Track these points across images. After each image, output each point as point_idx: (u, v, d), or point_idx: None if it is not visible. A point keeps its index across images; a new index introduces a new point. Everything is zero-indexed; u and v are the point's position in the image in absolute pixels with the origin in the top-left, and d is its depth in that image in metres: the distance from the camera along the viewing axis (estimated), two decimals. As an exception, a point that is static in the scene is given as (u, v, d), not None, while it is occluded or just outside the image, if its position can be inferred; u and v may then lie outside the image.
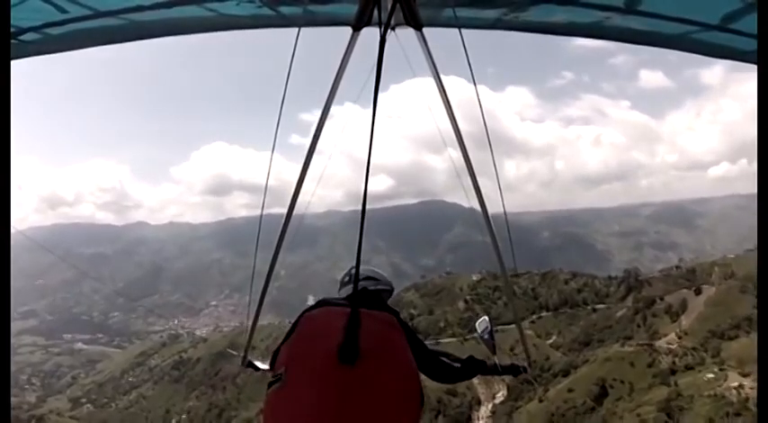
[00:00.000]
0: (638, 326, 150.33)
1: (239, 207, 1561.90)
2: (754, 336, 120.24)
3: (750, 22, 3.77)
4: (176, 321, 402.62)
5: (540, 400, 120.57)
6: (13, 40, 4.62)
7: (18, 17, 4.21)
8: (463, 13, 4.42)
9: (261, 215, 6.86)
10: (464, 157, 5.33)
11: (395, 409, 3.20)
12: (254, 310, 6.85)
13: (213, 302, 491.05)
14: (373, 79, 3.43)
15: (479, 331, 5.54)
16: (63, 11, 4.31)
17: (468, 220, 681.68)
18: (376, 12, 4.01)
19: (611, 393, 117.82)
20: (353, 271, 4.20)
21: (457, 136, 5.23)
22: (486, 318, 5.66)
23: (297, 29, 4.42)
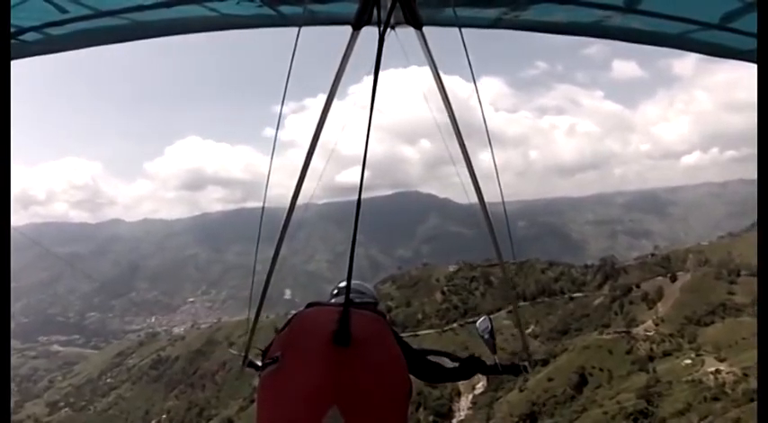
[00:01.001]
0: (616, 314, 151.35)
1: (214, 201, 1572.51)
2: (729, 321, 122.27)
3: (749, 22, 3.89)
4: (153, 319, 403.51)
5: (521, 390, 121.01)
6: (13, 40, 4.70)
7: (19, 17, 4.28)
8: (463, 12, 4.50)
9: (262, 209, 6.65)
10: (463, 152, 5.17)
11: (388, 388, 3.31)
12: (255, 307, 6.73)
13: (190, 299, 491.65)
14: (370, 78, 3.50)
15: (480, 331, 5.41)
16: (63, 10, 4.39)
17: (442, 211, 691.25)
18: (376, 11, 4.03)
19: (590, 381, 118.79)
20: (340, 285, 4.94)
21: (456, 134, 5.02)
22: (488, 317, 5.59)
23: (297, 28, 4.30)
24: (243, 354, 6.53)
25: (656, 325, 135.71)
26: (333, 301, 4.94)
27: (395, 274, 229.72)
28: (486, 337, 5.31)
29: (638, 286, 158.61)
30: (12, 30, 4.45)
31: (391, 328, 3.86)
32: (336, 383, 3.07)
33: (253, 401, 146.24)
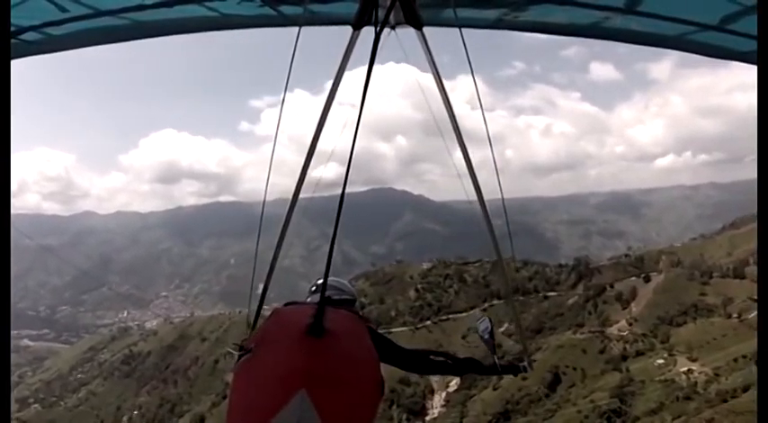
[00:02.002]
0: (590, 313, 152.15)
1: (188, 195, 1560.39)
2: (700, 322, 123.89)
3: (749, 23, 3.92)
4: (126, 314, 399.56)
5: (494, 388, 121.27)
6: (13, 40, 4.71)
7: (19, 16, 4.29)
8: (463, 12, 4.53)
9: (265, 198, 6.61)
10: (464, 154, 5.25)
11: (358, 377, 3.35)
12: (255, 305, 6.17)
13: (163, 293, 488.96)
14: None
15: (480, 331, 5.44)
16: (64, 10, 4.41)
17: (417, 208, 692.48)
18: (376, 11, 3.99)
19: (564, 380, 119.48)
20: (319, 282, 4.84)
21: (457, 134, 5.05)
22: (487, 318, 5.64)
23: (297, 28, 4.32)
24: (239, 352, 6.47)
25: (630, 325, 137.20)
26: (309, 298, 4.98)
27: (368, 271, 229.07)
28: (486, 337, 5.36)
29: (611, 286, 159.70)
30: (12, 29, 4.45)
31: (367, 325, 3.94)
32: (306, 369, 3.10)
33: (225, 398, 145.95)
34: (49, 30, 4.69)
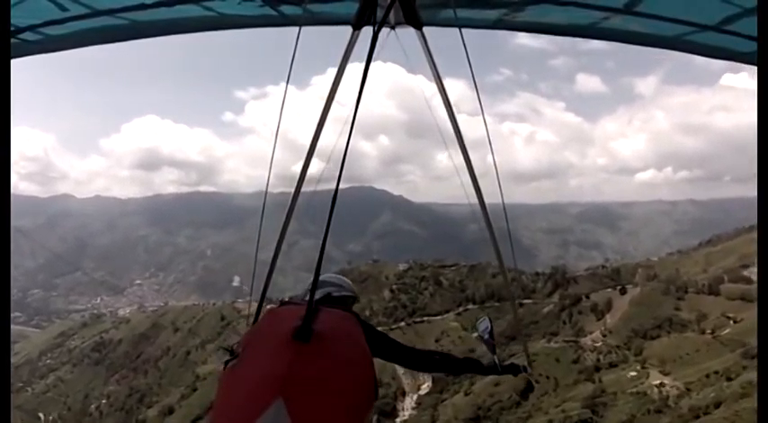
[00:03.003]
0: (564, 322, 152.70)
1: (168, 183, 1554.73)
2: (674, 336, 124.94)
3: (749, 24, 3.91)
4: (99, 300, 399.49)
5: (466, 394, 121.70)
6: (13, 39, 4.70)
7: (19, 15, 4.31)
8: (463, 13, 4.51)
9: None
10: (464, 156, 5.44)
11: (344, 385, 3.21)
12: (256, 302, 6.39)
13: (138, 281, 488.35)
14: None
15: (479, 331, 5.54)
16: (64, 9, 4.40)
17: (396, 209, 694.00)
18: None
19: (536, 388, 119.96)
20: (320, 278, 4.42)
21: (457, 135, 5.25)
22: (487, 318, 5.71)
23: (297, 28, 4.44)
24: (229, 357, 6.50)
25: (604, 336, 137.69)
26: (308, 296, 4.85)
27: (344, 269, 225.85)
28: (486, 337, 5.42)
29: (587, 297, 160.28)
30: (11, 28, 4.46)
31: (364, 326, 3.89)
32: (285, 376, 2.99)
33: (195, 390, 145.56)
34: (50, 29, 4.70)
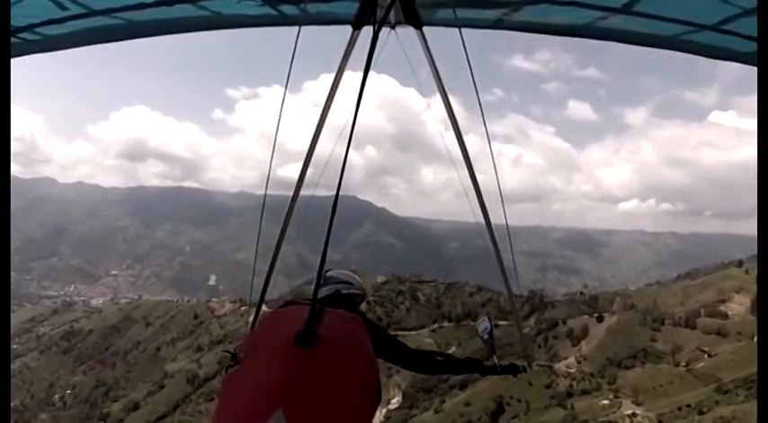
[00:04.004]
0: (539, 346, 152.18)
1: (152, 176, 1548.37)
2: (649, 367, 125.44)
3: (749, 24, 3.86)
4: (72, 287, 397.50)
5: (437, 411, 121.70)
6: (13, 38, 4.67)
7: (18, 15, 4.29)
8: (463, 13, 4.48)
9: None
10: (468, 168, 5.55)
11: (351, 389, 3.14)
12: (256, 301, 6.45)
13: (113, 271, 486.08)
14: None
15: (479, 331, 5.52)
16: (63, 8, 4.38)
17: (377, 220, 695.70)
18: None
19: (507, 411, 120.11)
20: (328, 274, 4.86)
21: (459, 143, 5.29)
22: (487, 318, 5.69)
23: (297, 27, 4.39)
24: (230, 362, 6.54)
25: (579, 362, 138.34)
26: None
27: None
28: (486, 337, 5.38)
29: (564, 322, 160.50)
30: (11, 28, 4.42)
31: (369, 327, 3.79)
32: (286, 386, 2.93)
33: (162, 387, 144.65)
34: (49, 28, 4.68)
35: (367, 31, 4.23)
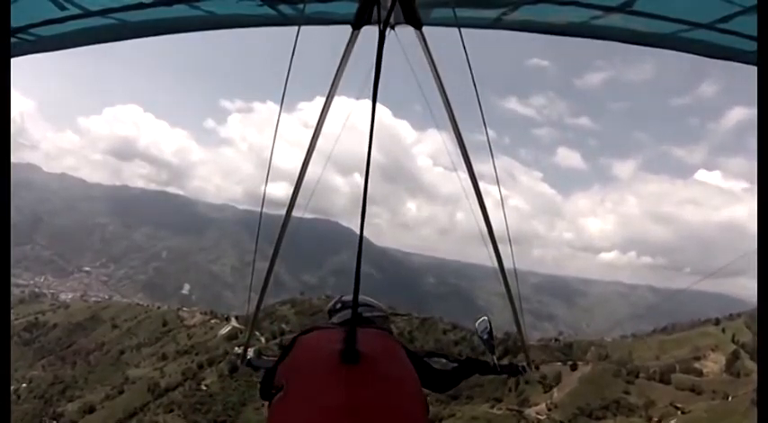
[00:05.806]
0: (510, 390, 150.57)
1: (138, 176, 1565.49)
2: (620, 419, 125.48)
3: (748, 23, 3.84)
4: (42, 279, 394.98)
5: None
6: (12, 38, 4.67)
7: (18, 14, 4.25)
8: (463, 12, 4.45)
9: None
10: (475, 188, 5.72)
11: (405, 400, 3.19)
12: (254, 305, 6.70)
13: (86, 268, 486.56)
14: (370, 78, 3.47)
15: (479, 331, 5.58)
16: (63, 8, 4.36)
17: (356, 248, 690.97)
18: (376, 11, 4.09)
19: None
20: (344, 299, 4.80)
21: (465, 161, 5.41)
22: (486, 318, 5.74)
23: (297, 27, 4.39)
24: (241, 352, 6.62)
25: (549, 410, 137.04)
26: (335, 317, 4.80)
27: (296, 298, 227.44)
28: (485, 337, 5.43)
29: (537, 367, 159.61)
30: (11, 27, 4.40)
31: (400, 343, 3.82)
32: (352, 403, 2.94)
33: (121, 393, 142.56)
34: (49, 28, 4.65)
35: (367, 31, 4.33)
